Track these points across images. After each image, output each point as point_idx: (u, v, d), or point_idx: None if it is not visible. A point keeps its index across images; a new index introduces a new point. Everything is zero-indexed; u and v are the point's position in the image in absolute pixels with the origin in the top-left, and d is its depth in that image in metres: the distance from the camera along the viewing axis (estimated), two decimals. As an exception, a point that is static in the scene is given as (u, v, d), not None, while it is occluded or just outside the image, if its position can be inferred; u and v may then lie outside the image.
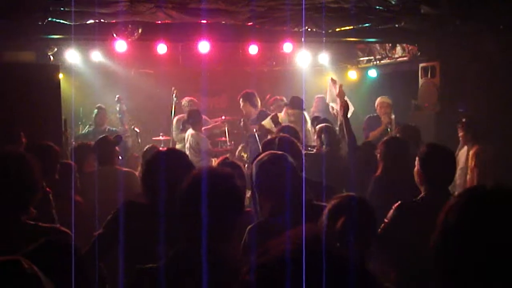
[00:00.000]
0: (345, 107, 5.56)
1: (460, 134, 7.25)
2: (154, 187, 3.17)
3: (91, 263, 3.12)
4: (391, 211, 3.70)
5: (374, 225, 3.01)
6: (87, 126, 9.65)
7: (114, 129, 9.07)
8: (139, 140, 9.41)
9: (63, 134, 7.70)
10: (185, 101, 9.87)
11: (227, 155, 5.17)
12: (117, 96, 9.00)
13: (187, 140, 8.57)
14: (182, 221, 2.46)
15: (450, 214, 1.81)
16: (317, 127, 6.80)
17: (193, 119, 8.60)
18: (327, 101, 10.20)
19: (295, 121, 8.19)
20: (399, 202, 3.72)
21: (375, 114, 9.14)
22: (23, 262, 1.57)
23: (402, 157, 5.00)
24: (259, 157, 3.42)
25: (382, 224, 3.71)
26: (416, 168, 3.79)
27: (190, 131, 8.54)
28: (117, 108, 8.77)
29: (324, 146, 6.40)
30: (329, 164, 5.54)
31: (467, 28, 7.51)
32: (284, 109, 8.56)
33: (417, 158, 3.81)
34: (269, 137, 6.38)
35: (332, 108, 9.61)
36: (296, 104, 8.54)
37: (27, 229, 2.71)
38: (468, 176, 6.95)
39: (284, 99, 9.47)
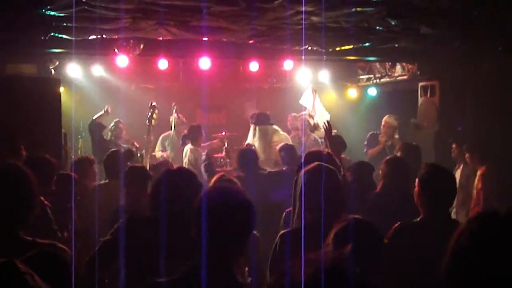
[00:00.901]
0: (327, 129, 5.60)
1: (466, 155, 7.20)
2: (162, 204, 3.20)
3: (93, 268, 3.20)
4: (391, 231, 3.69)
5: (381, 249, 3.00)
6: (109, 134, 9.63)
7: (125, 146, 8.98)
8: (139, 155, 9.39)
9: (63, 148, 7.72)
10: (172, 117, 9.85)
11: (223, 173, 5.18)
12: (151, 102, 8.90)
13: (185, 155, 8.56)
14: (196, 238, 2.47)
15: (462, 239, 1.83)
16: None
17: (193, 134, 8.61)
18: (302, 103, 10.19)
19: (262, 136, 8.34)
20: (399, 222, 3.72)
21: (377, 132, 9.20)
22: (18, 264, 1.61)
23: (402, 176, 5.02)
24: (308, 167, 3.46)
25: None
26: (416, 189, 3.77)
27: (189, 146, 8.54)
28: (148, 114, 8.71)
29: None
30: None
31: (467, 48, 7.56)
32: (252, 127, 8.64)
33: (417, 180, 3.80)
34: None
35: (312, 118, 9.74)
36: (262, 120, 8.62)
37: (24, 245, 2.68)
38: (474, 197, 6.91)
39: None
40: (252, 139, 8.61)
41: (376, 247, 2.83)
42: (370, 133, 9.30)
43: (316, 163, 3.59)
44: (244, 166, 6.27)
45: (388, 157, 5.71)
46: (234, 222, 2.45)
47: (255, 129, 8.59)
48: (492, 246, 1.76)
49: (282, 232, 3.50)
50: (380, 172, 5.35)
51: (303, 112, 9.92)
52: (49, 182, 4.81)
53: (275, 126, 8.76)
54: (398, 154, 6.86)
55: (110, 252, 3.30)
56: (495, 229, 1.80)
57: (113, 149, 6.55)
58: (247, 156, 6.41)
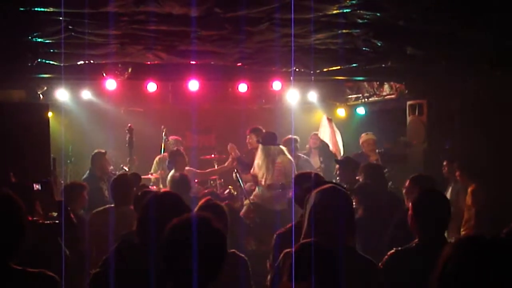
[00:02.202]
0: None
1: (456, 173, 7.24)
2: (149, 229, 3.19)
3: None
4: (386, 257, 3.67)
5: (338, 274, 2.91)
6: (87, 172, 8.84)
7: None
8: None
9: (52, 173, 7.66)
10: (171, 140, 9.87)
11: (209, 197, 5.22)
12: (129, 125, 8.88)
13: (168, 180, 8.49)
14: (168, 266, 2.52)
15: (449, 264, 1.83)
16: None
17: (172, 159, 8.57)
18: (320, 137, 10.33)
19: (265, 156, 8.34)
20: (394, 249, 3.69)
21: (360, 152, 9.21)
22: None
23: None
24: (321, 188, 3.45)
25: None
26: (409, 213, 3.73)
27: (172, 172, 8.46)
28: (127, 137, 8.67)
29: None
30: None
31: (453, 67, 7.63)
32: (259, 146, 8.64)
33: (410, 204, 3.77)
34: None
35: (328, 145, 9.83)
36: (267, 139, 8.62)
37: (14, 275, 2.68)
38: (465, 215, 6.93)
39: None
40: (258, 157, 8.62)
41: (328, 272, 2.77)
42: (353, 154, 9.22)
43: (330, 184, 3.59)
44: None
45: (412, 175, 5.79)
46: (205, 253, 2.49)
47: (260, 148, 8.61)
48: (481, 271, 1.77)
49: (286, 250, 3.48)
50: (404, 190, 5.56)
51: (292, 136, 9.92)
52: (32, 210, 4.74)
53: (282, 147, 8.73)
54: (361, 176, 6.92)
55: (101, 285, 3.28)
56: (483, 254, 1.81)
57: (120, 173, 6.45)
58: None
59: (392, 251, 3.68)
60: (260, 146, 8.53)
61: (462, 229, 6.90)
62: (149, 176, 9.59)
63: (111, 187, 6.07)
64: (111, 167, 9.04)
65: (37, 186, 4.82)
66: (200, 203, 4.76)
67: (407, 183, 5.70)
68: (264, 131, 9.13)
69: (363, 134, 9.41)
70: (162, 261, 2.53)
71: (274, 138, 8.68)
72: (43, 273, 2.79)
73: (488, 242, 1.84)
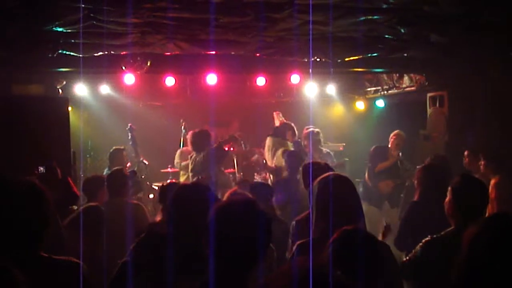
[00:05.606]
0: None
1: (481, 163, 7.11)
2: (177, 219, 3.16)
3: None
4: (419, 245, 3.61)
5: (381, 262, 2.86)
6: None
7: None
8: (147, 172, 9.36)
9: (72, 167, 7.67)
10: (190, 135, 9.83)
11: (236, 188, 5.21)
12: (129, 124, 8.93)
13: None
14: (213, 251, 2.43)
15: (475, 245, 1.81)
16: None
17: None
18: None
19: (268, 147, 8.52)
20: (429, 237, 3.63)
21: (382, 145, 9.10)
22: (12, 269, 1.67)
23: (440, 184, 4.90)
24: (322, 177, 3.45)
25: (409, 255, 3.71)
26: (447, 199, 3.67)
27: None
28: (129, 136, 8.72)
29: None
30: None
31: (476, 55, 7.50)
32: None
33: (449, 189, 3.71)
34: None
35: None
36: (275, 132, 8.73)
37: (42, 262, 2.70)
38: (488, 208, 6.81)
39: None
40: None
41: (375, 260, 2.72)
42: (374, 147, 9.07)
43: (331, 172, 3.59)
44: None
45: (423, 164, 5.65)
46: (251, 235, 2.40)
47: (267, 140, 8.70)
48: (509, 249, 1.77)
49: (299, 242, 3.45)
50: (416, 180, 5.34)
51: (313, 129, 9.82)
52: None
53: (288, 142, 8.70)
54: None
55: (129, 274, 3.26)
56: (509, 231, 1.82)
57: (116, 168, 6.53)
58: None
59: (428, 238, 3.62)
60: (268, 138, 8.65)
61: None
62: (168, 169, 9.59)
63: (108, 179, 6.11)
64: (129, 164, 9.02)
65: (41, 169, 4.81)
66: (227, 194, 4.77)
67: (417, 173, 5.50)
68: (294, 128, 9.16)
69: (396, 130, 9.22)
70: (209, 244, 2.43)
71: (281, 131, 8.80)
72: (70, 260, 2.83)
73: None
